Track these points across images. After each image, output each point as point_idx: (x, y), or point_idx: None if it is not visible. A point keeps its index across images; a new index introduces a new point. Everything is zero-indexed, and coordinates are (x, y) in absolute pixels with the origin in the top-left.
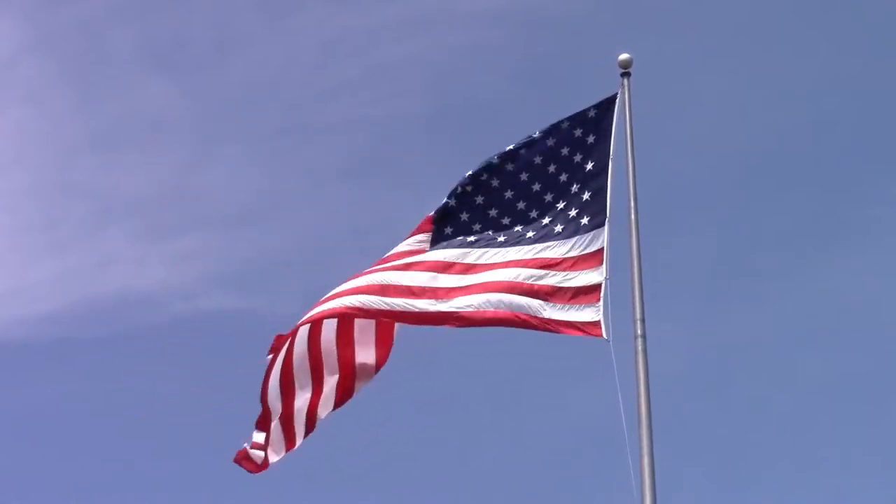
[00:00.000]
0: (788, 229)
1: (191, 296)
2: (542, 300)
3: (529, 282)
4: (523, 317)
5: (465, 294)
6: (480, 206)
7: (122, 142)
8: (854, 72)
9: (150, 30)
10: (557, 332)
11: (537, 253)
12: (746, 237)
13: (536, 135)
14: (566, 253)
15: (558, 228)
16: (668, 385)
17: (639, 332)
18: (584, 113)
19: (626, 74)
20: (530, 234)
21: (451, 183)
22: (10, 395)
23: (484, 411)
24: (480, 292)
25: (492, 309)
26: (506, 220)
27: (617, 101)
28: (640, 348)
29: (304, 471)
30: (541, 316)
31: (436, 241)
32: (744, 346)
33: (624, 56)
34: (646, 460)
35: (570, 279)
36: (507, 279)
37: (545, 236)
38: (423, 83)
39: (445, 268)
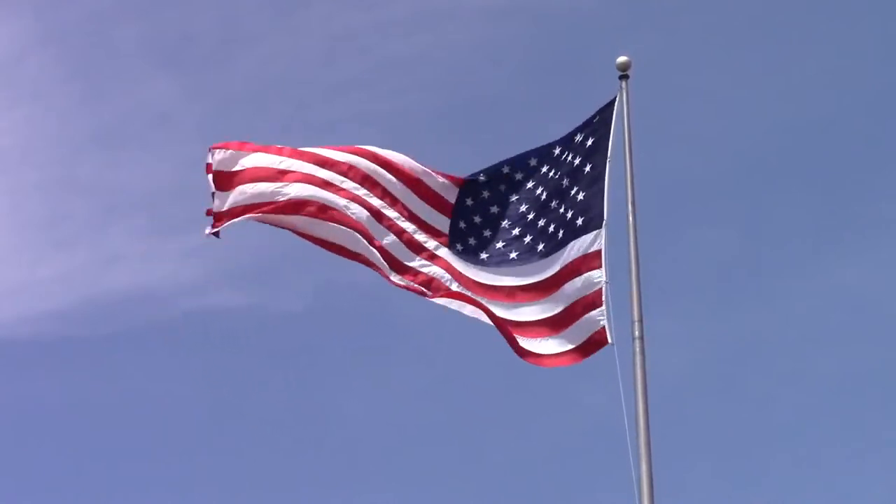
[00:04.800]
0: (797, 226)
1: (198, 292)
2: (552, 335)
3: (537, 317)
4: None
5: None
6: (495, 216)
7: (128, 138)
8: (861, 68)
9: (156, 26)
10: (568, 364)
11: (542, 271)
12: (755, 234)
13: (549, 148)
14: (565, 259)
15: (560, 235)
16: (676, 383)
17: (636, 333)
18: (589, 119)
19: (624, 77)
20: (541, 246)
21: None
22: (16, 392)
23: (485, 409)
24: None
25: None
26: (516, 231)
27: (616, 103)
28: (637, 350)
29: (305, 469)
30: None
31: (454, 242)
32: (752, 344)
33: (622, 59)
34: (644, 464)
35: (570, 293)
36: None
37: (549, 247)
38: (432, 79)
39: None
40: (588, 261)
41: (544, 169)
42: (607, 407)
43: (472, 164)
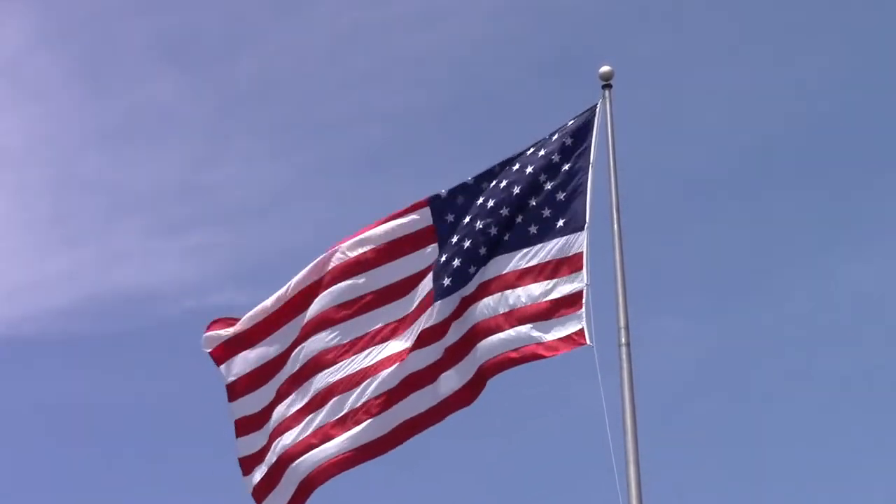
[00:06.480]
0: (800, 225)
1: (202, 291)
2: (522, 325)
3: (506, 310)
4: (502, 359)
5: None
6: (480, 229)
7: (133, 136)
8: (865, 65)
9: (161, 23)
10: (543, 357)
11: (516, 263)
12: (756, 234)
13: (523, 152)
14: (544, 258)
15: (533, 230)
16: (676, 382)
17: (623, 340)
18: (565, 124)
19: (607, 86)
20: (508, 237)
21: (465, 177)
22: (21, 390)
23: (482, 411)
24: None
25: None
26: (493, 231)
27: (598, 113)
28: (624, 357)
29: None
30: (523, 346)
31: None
32: (753, 343)
33: (605, 69)
34: (632, 468)
35: (549, 291)
36: (481, 317)
37: (522, 240)
38: (438, 76)
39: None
40: (569, 263)
41: (525, 169)
42: (601, 410)
43: (475, 162)
